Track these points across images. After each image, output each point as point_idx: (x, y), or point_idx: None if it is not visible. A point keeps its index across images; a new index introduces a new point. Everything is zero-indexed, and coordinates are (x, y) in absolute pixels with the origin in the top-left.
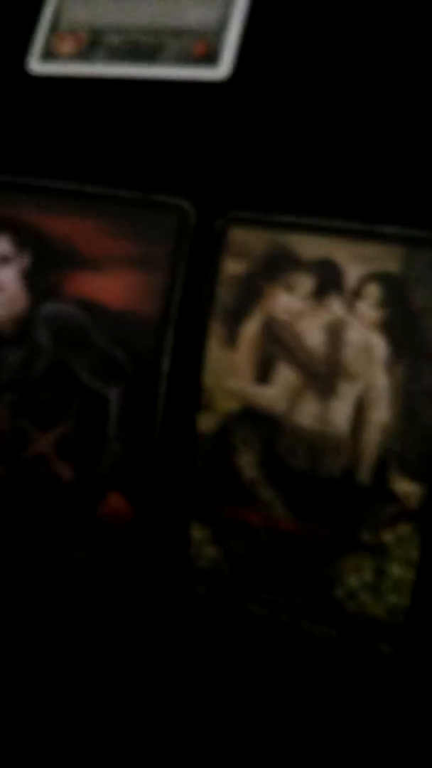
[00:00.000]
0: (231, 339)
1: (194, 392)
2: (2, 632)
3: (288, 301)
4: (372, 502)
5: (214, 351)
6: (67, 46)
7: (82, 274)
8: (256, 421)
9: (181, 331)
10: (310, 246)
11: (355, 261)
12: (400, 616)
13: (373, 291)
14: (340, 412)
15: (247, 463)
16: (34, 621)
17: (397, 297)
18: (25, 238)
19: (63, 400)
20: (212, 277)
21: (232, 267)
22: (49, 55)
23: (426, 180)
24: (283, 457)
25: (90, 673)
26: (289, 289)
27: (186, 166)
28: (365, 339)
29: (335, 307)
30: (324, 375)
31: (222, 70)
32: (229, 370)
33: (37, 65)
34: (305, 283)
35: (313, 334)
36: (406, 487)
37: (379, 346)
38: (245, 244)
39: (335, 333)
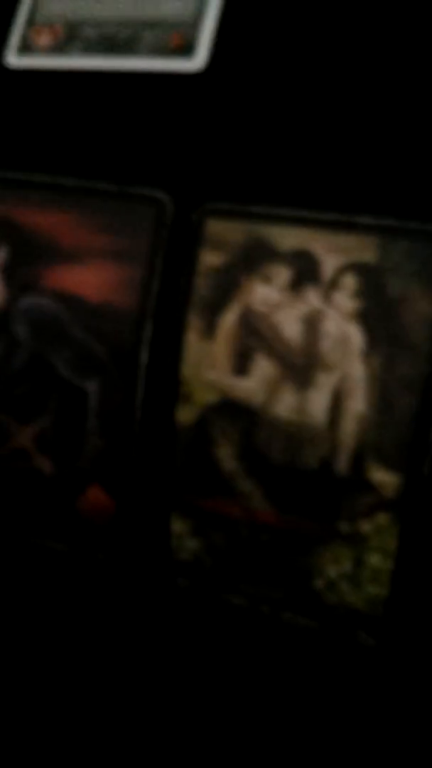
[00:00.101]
0: (209, 331)
1: (173, 385)
2: None
3: (265, 292)
4: (350, 492)
5: (193, 343)
6: (44, 39)
7: (60, 267)
8: (235, 412)
9: (160, 324)
10: (287, 237)
11: (331, 252)
12: (379, 606)
13: (349, 281)
14: (318, 403)
15: (226, 455)
16: (15, 615)
17: (373, 287)
18: (2, 231)
19: (42, 393)
20: (190, 269)
21: (210, 259)
22: (26, 48)
23: (400, 170)
24: (262, 448)
25: (72, 666)
26: (267, 280)
27: (163, 158)
28: (342, 330)
29: (312, 298)
30: (301, 366)
31: (198, 61)
32: (208, 362)
33: (14, 59)
34: (282, 274)
35: (290, 325)
36: (383, 477)
37: (356, 336)
38: (222, 236)
39: (312, 324)
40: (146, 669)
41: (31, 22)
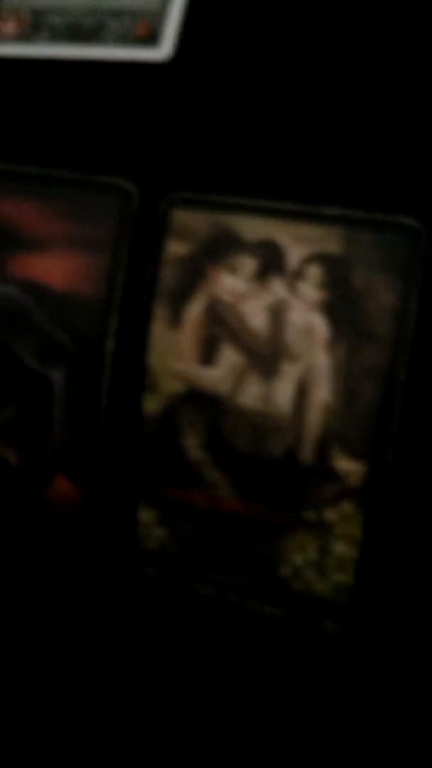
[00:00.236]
0: (175, 320)
1: (139, 374)
2: None
3: (231, 282)
4: (315, 480)
5: (158, 333)
6: (9, 27)
7: (24, 256)
8: (201, 402)
9: (125, 313)
10: (253, 227)
11: (296, 242)
12: (345, 593)
13: (314, 272)
14: (283, 393)
15: (193, 444)
16: None
17: (337, 278)
18: None
19: (7, 383)
20: (155, 259)
21: (175, 248)
22: None
23: (366, 161)
24: (228, 438)
25: (41, 657)
26: (232, 270)
27: (129, 147)
28: (307, 320)
29: (277, 288)
30: (267, 356)
31: (163, 50)
32: (174, 352)
33: None
34: (248, 264)
35: (256, 315)
36: (347, 466)
37: (320, 326)
38: (188, 226)
39: (278, 314)
40: (115, 659)
41: None
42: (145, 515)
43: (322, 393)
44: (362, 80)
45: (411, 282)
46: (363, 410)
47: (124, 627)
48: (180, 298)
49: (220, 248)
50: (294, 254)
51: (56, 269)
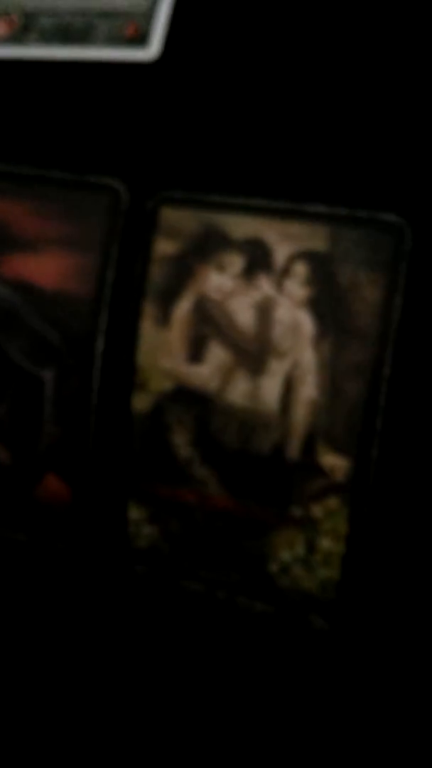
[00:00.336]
0: (164, 318)
1: (128, 372)
2: None
3: (219, 280)
4: (301, 476)
5: (148, 331)
6: (0, 29)
7: (14, 255)
8: (190, 400)
9: (115, 312)
10: (240, 226)
11: (283, 240)
12: (332, 589)
13: (300, 269)
14: (270, 390)
15: (182, 442)
16: None
17: (323, 275)
18: None
19: None
20: (144, 257)
21: (164, 247)
22: None
23: (350, 159)
24: (217, 435)
25: (32, 654)
26: (220, 268)
27: (118, 147)
28: (293, 317)
29: (264, 285)
30: (254, 353)
31: (152, 51)
32: (163, 350)
33: None
34: (235, 262)
35: (243, 312)
36: (333, 461)
37: (307, 323)
38: (177, 224)
39: (265, 311)
40: (106, 656)
41: None
42: (136, 513)
43: (309, 389)
44: (347, 79)
45: (395, 278)
46: (348, 406)
47: (115, 624)
48: (169, 296)
49: (208, 246)
50: (281, 252)
51: (46, 269)
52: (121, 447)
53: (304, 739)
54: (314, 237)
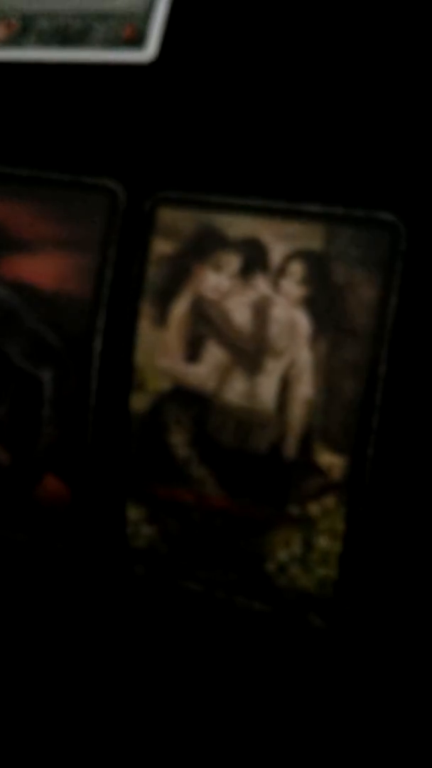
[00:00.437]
0: (161, 319)
1: (126, 372)
2: None
3: (216, 280)
4: (298, 475)
5: (145, 331)
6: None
7: (13, 256)
8: (187, 399)
9: (113, 312)
10: (237, 225)
11: (279, 239)
12: (329, 588)
13: (296, 268)
14: (267, 389)
15: (180, 442)
16: None
17: (318, 274)
18: None
19: None
20: (142, 258)
21: (161, 247)
22: None
23: (345, 158)
24: (214, 434)
25: (31, 654)
26: (217, 268)
27: (116, 148)
28: (289, 316)
29: (261, 285)
30: (251, 352)
31: (149, 52)
32: (160, 350)
33: None
34: (232, 262)
35: (240, 312)
36: (330, 460)
37: (303, 322)
38: (174, 225)
39: (261, 311)
40: (105, 656)
41: None
42: (134, 513)
43: (305, 388)
44: (342, 79)
45: (391, 277)
46: (344, 404)
47: (113, 624)
48: (166, 296)
49: (205, 246)
50: (277, 251)
51: (44, 269)
52: (119, 447)
53: (302, 737)
54: (310, 236)
